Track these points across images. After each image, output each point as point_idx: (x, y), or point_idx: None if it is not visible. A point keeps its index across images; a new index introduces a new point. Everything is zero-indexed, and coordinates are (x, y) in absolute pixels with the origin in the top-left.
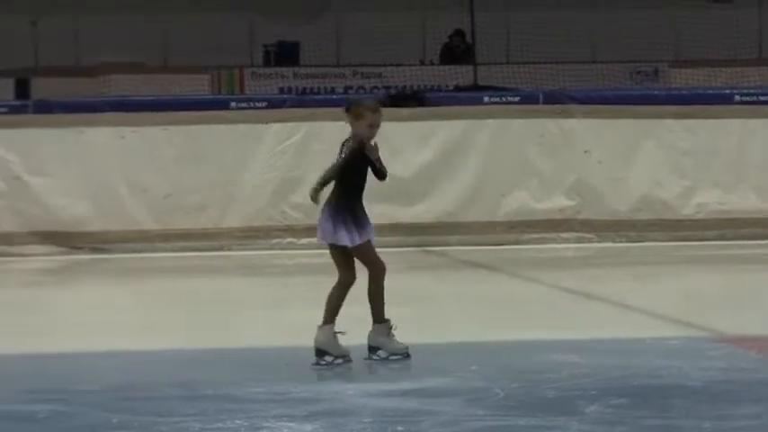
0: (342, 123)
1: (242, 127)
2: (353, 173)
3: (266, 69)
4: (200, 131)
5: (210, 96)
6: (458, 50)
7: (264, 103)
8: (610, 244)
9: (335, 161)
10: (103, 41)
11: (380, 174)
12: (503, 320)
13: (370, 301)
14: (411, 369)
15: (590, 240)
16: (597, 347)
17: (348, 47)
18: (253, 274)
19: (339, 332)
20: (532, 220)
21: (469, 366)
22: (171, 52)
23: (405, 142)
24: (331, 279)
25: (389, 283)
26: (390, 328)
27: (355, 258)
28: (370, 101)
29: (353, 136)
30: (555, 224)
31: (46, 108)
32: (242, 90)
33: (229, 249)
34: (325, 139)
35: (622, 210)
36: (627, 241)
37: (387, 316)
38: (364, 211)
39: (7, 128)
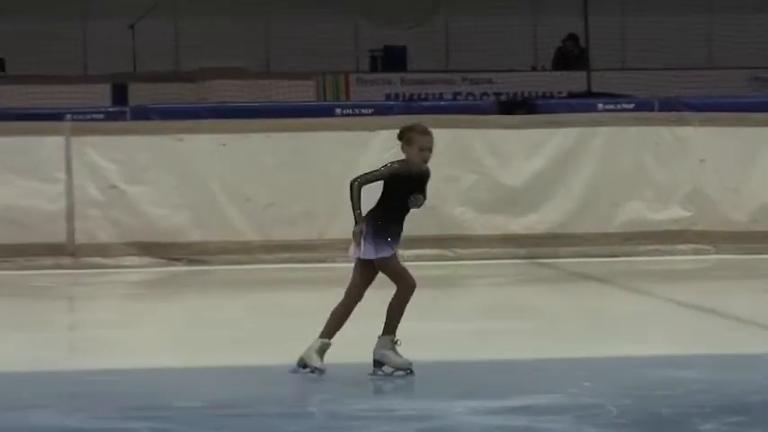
0: (451, 131)
1: (347, 134)
2: (397, 195)
3: (372, 75)
4: (303, 139)
5: (315, 103)
6: (571, 55)
7: (370, 110)
8: (727, 256)
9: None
10: (203, 46)
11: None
12: (616, 335)
13: (388, 311)
14: (520, 385)
15: (707, 252)
16: (713, 363)
17: (457, 52)
18: None
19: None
20: (647, 231)
21: (581, 382)
22: (273, 57)
23: (515, 150)
24: (436, 292)
25: (500, 296)
26: (394, 342)
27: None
28: (420, 124)
29: (406, 161)
30: (671, 235)
31: (144, 114)
32: (347, 96)
33: (333, 261)
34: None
35: (740, 221)
36: (744, 253)
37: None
38: (396, 233)
39: (104, 134)
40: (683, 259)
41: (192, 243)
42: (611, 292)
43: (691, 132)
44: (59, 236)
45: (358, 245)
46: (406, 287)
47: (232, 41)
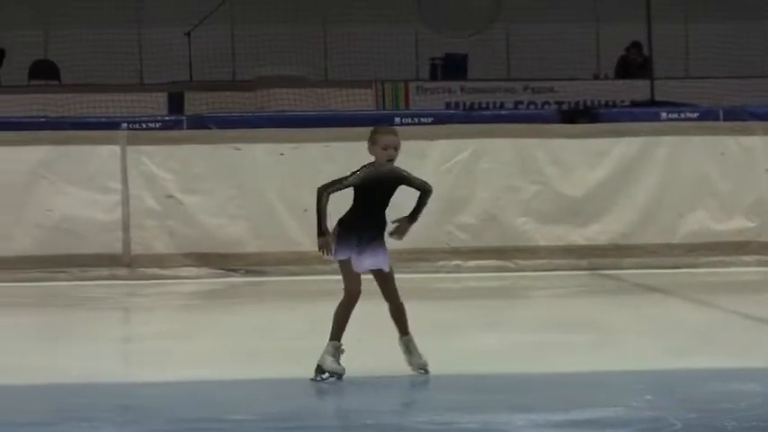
0: (512, 140)
1: (406, 144)
2: (368, 201)
3: (432, 83)
4: (362, 149)
5: (374, 112)
6: (634, 64)
7: (430, 119)
8: None
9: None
10: (261, 54)
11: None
12: (679, 347)
13: (333, 317)
14: (582, 398)
15: None
16: None
17: (519, 60)
18: (416, 299)
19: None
20: (711, 242)
21: (643, 395)
22: (332, 65)
23: (577, 160)
24: (498, 304)
25: (562, 307)
26: (338, 349)
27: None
28: (384, 125)
29: (373, 164)
30: (735, 246)
31: (200, 123)
32: (407, 105)
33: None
34: (493, 156)
35: None
36: None
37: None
38: (370, 236)
39: (160, 144)
40: (747, 271)
41: (250, 254)
42: (674, 303)
43: (756, 142)
44: (115, 246)
45: (330, 253)
46: (347, 296)
47: (290, 49)
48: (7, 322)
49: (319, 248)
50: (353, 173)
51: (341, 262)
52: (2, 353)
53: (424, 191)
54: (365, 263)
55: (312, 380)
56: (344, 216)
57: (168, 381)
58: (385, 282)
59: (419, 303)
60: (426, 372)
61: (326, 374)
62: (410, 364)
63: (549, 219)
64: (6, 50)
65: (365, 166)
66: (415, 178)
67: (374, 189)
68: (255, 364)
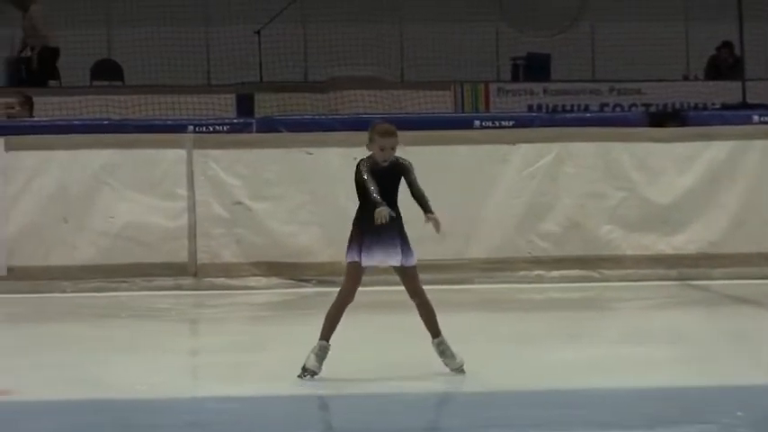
0: (597, 144)
1: (486, 148)
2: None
3: (514, 85)
4: (440, 153)
5: (452, 114)
6: (725, 64)
7: (512, 122)
8: None
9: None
10: (334, 54)
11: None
12: None
13: (325, 317)
14: (669, 414)
15: None
16: None
17: (604, 60)
18: (497, 310)
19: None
20: None
21: (734, 411)
22: (408, 66)
23: (665, 165)
24: (581, 315)
25: (649, 319)
26: (325, 349)
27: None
28: (384, 124)
29: (371, 158)
30: None
31: (270, 126)
32: (487, 107)
33: (472, 282)
34: (578, 161)
35: None
36: None
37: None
38: (379, 231)
39: (228, 148)
40: None
41: (322, 263)
42: (765, 315)
43: None
44: (181, 255)
45: (386, 220)
46: (340, 295)
47: (364, 49)
48: (70, 334)
49: (376, 217)
50: (358, 170)
51: (348, 264)
52: (64, 366)
53: (424, 201)
54: (375, 258)
55: (298, 377)
56: (355, 215)
57: (237, 395)
58: (405, 278)
59: (499, 314)
60: (463, 372)
61: (307, 374)
62: (447, 366)
63: (636, 226)
64: (64, 50)
65: (362, 160)
66: (414, 178)
67: (378, 183)
68: (325, 377)
